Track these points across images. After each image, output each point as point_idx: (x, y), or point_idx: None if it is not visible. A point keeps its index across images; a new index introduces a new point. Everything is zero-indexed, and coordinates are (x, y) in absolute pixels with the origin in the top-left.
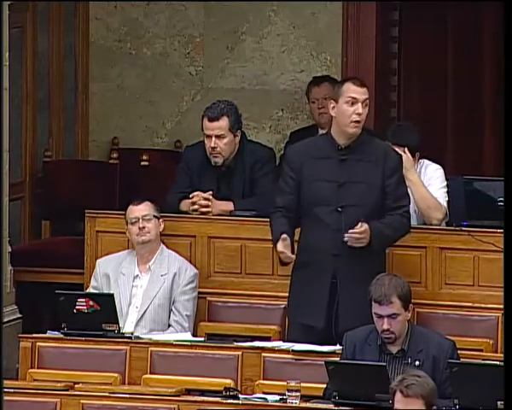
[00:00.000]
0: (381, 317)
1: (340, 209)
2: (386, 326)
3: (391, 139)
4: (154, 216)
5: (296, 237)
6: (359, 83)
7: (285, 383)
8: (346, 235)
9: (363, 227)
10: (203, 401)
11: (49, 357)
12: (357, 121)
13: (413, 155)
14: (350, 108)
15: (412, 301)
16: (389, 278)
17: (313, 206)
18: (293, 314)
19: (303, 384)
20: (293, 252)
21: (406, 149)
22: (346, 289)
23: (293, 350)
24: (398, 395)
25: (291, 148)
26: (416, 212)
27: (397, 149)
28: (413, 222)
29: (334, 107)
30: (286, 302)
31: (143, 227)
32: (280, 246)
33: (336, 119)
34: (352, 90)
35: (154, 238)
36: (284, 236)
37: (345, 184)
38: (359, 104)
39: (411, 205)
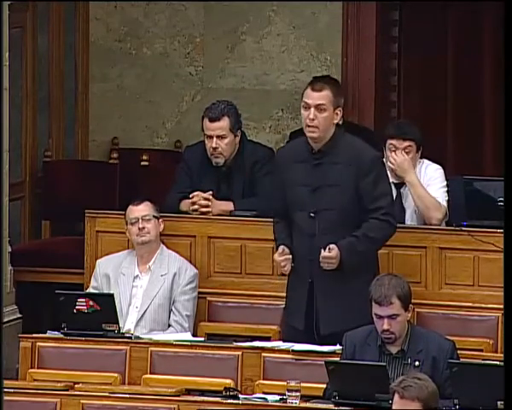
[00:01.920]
0: (380, 317)
1: (312, 215)
2: (386, 327)
3: (395, 133)
4: (154, 216)
5: None
6: (317, 87)
7: (285, 383)
8: (321, 263)
9: (332, 252)
10: (203, 401)
11: (49, 357)
12: (311, 126)
13: (418, 149)
14: (304, 112)
15: (412, 301)
16: (389, 278)
17: (292, 211)
18: (284, 317)
19: (303, 384)
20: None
21: (408, 145)
22: (324, 293)
23: (293, 350)
24: (396, 396)
25: (279, 152)
26: (415, 212)
27: (396, 153)
28: (413, 222)
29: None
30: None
31: (143, 228)
32: (276, 256)
33: None
34: (306, 94)
35: (153, 239)
36: (281, 248)
37: (318, 189)
38: (311, 109)
39: (411, 205)
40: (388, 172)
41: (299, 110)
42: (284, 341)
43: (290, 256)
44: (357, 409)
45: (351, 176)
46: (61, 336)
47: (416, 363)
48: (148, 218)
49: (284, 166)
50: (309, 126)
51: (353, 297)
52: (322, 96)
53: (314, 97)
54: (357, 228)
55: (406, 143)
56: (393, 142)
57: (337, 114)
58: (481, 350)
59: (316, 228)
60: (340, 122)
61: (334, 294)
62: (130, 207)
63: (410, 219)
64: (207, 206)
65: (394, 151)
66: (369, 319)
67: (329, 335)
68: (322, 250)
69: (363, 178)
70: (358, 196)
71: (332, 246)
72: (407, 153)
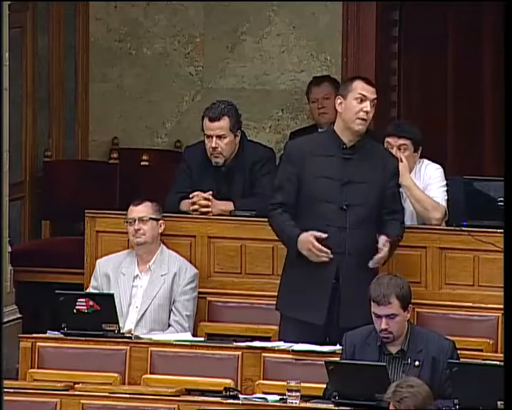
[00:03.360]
0: (379, 317)
1: (345, 207)
2: (383, 326)
3: (395, 132)
4: (151, 218)
5: None
6: (370, 82)
7: (285, 383)
8: (371, 263)
9: (385, 247)
10: (203, 401)
11: (49, 357)
12: (364, 119)
13: (416, 149)
14: (359, 104)
15: (412, 301)
16: (389, 277)
17: (316, 203)
18: (288, 311)
19: (303, 384)
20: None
21: (403, 143)
22: (348, 288)
23: (293, 350)
24: (392, 407)
25: (291, 143)
26: (414, 212)
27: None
28: (413, 222)
29: (341, 102)
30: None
31: (138, 229)
32: (316, 244)
33: (342, 115)
34: (362, 87)
35: (149, 240)
36: (320, 235)
37: (349, 183)
38: (368, 102)
39: (409, 205)
40: None
41: (299, 110)
42: (282, 337)
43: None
44: (357, 409)
45: (378, 175)
46: (61, 336)
47: (416, 363)
48: (144, 219)
49: (301, 159)
50: (362, 119)
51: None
52: (375, 93)
53: (371, 91)
54: (377, 225)
55: (401, 141)
56: (389, 139)
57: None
58: (481, 350)
59: (347, 221)
60: None
61: (360, 290)
62: (131, 206)
63: (409, 219)
64: (207, 206)
65: (391, 149)
66: None
67: (348, 328)
68: (381, 245)
69: (388, 180)
70: (382, 195)
71: (385, 238)
72: (403, 151)
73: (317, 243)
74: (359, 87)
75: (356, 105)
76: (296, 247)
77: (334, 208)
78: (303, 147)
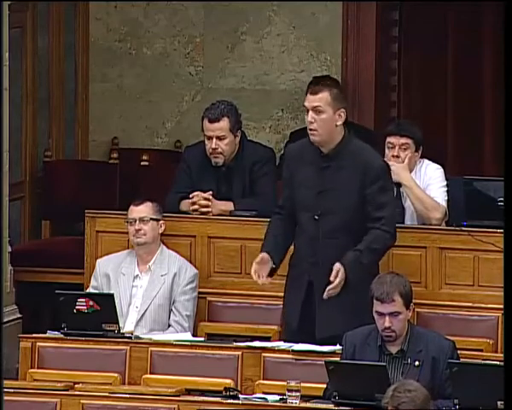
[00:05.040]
0: (382, 315)
1: (316, 217)
2: (387, 324)
3: (396, 131)
4: (152, 218)
5: None
6: (314, 90)
7: (285, 383)
8: (325, 294)
9: (337, 278)
10: (203, 401)
11: (49, 357)
12: (310, 129)
13: (417, 149)
14: (306, 117)
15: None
16: (391, 276)
17: (297, 211)
18: (282, 315)
19: (303, 384)
20: (276, 263)
21: (405, 142)
22: (322, 299)
23: (293, 350)
24: None
25: (290, 147)
26: (415, 212)
27: (394, 160)
28: (413, 222)
29: None
30: None
31: (139, 229)
32: (253, 267)
33: None
34: (306, 98)
35: (149, 241)
36: (262, 256)
37: (323, 192)
38: (310, 112)
39: (411, 205)
40: None
41: (299, 110)
42: (284, 340)
43: (267, 267)
44: (357, 409)
45: (357, 182)
46: (61, 336)
47: (416, 363)
48: (145, 219)
49: (294, 165)
50: (310, 130)
51: (353, 302)
52: (318, 99)
53: (310, 100)
54: (357, 234)
55: (403, 140)
56: (391, 139)
57: (340, 115)
58: (481, 350)
59: (319, 231)
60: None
61: (333, 298)
62: (131, 206)
63: (410, 219)
64: (207, 206)
65: (393, 148)
66: (368, 323)
67: (323, 339)
68: (332, 278)
69: (369, 185)
70: (362, 203)
71: (337, 266)
72: (404, 150)
73: (253, 267)
74: (306, 99)
75: (306, 117)
76: None
77: (309, 218)
78: (296, 153)
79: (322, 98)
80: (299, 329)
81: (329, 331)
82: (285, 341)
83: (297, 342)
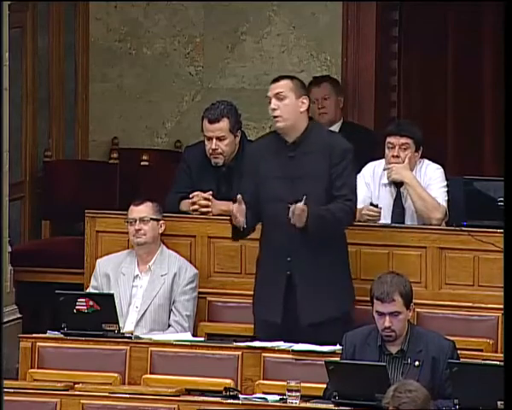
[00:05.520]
0: (382, 314)
1: (290, 206)
2: (387, 324)
3: (396, 131)
4: (152, 219)
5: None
6: (275, 80)
7: (285, 383)
8: (289, 214)
9: (302, 205)
10: (203, 401)
11: (49, 357)
12: (274, 116)
13: (417, 149)
14: (270, 105)
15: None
16: (391, 276)
17: (268, 204)
18: (255, 312)
19: (303, 384)
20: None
21: (405, 142)
22: (303, 284)
23: (293, 350)
24: None
25: (249, 147)
26: (415, 212)
27: (394, 161)
28: (413, 222)
29: None
30: None
31: (139, 229)
32: (234, 208)
33: None
34: (270, 88)
35: (149, 241)
36: (239, 196)
37: (294, 180)
38: (272, 100)
39: (411, 205)
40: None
41: None
42: (258, 339)
43: (244, 208)
44: (357, 409)
45: (325, 165)
46: (61, 336)
47: (416, 363)
48: (145, 219)
49: (256, 163)
50: (274, 117)
51: (331, 287)
52: (280, 85)
53: (272, 88)
54: None
55: (403, 140)
56: (391, 139)
57: (303, 102)
58: (481, 350)
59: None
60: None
61: (312, 284)
62: (131, 206)
63: (410, 220)
64: (207, 206)
65: (393, 148)
66: (346, 309)
67: (308, 325)
68: (293, 205)
69: (333, 166)
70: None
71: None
72: (404, 150)
73: (234, 208)
74: (269, 90)
75: (269, 106)
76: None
77: (281, 208)
78: (257, 150)
79: (284, 85)
80: (282, 324)
81: (313, 318)
82: (261, 339)
83: (279, 339)
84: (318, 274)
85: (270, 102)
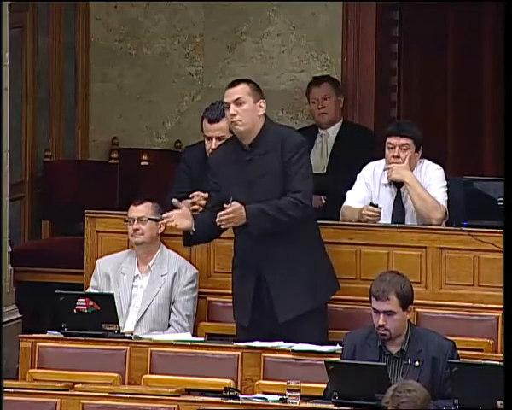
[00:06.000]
0: (377, 312)
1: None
2: (381, 322)
3: (396, 131)
4: (151, 219)
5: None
6: (231, 84)
7: (285, 383)
8: (216, 220)
9: (231, 207)
10: (203, 401)
11: (49, 357)
12: (234, 122)
13: (418, 149)
14: (227, 111)
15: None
16: (392, 275)
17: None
18: (234, 316)
19: (303, 384)
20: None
21: (405, 143)
22: (276, 283)
23: (293, 350)
24: None
25: (211, 156)
26: (416, 212)
27: (394, 161)
28: (413, 222)
29: None
30: None
31: (137, 229)
32: (174, 213)
33: None
34: (225, 96)
35: (147, 241)
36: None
37: (253, 182)
38: (231, 105)
39: (411, 205)
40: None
41: (299, 110)
42: (237, 340)
43: (187, 211)
44: (357, 409)
45: (278, 162)
46: (61, 336)
47: (416, 363)
48: (143, 219)
49: (218, 170)
50: (233, 123)
51: (304, 281)
52: (238, 91)
53: (230, 94)
54: None
55: (403, 141)
56: (391, 139)
57: (261, 106)
58: (481, 350)
59: None
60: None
61: (285, 282)
62: (131, 206)
63: (410, 220)
64: None
65: (393, 149)
66: (324, 300)
67: (286, 322)
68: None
69: (285, 161)
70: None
71: (233, 203)
72: (404, 150)
73: (175, 213)
74: (225, 96)
75: (226, 114)
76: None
77: None
78: (218, 157)
79: (242, 90)
80: (249, 327)
81: (290, 313)
82: (238, 341)
83: (250, 341)
84: (289, 270)
85: (228, 108)
